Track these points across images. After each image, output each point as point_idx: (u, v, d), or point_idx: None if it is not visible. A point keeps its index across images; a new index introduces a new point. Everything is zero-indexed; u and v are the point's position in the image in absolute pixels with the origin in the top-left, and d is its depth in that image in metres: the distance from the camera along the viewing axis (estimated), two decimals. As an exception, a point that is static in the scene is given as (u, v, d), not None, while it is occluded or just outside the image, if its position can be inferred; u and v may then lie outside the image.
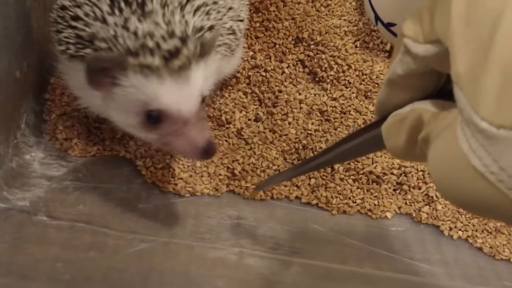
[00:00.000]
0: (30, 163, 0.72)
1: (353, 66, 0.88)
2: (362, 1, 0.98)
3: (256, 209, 0.75)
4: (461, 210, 0.79)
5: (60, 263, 0.63)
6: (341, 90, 0.86)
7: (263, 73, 0.86)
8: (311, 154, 0.79)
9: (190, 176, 0.76)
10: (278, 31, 0.90)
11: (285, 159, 0.79)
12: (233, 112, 0.81)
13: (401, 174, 0.80)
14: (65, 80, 0.70)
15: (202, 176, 0.76)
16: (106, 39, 0.57)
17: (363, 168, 0.79)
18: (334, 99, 0.85)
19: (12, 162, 0.70)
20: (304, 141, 0.80)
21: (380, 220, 0.78)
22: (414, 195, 0.79)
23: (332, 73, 0.87)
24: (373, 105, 0.85)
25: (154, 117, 0.58)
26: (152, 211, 0.71)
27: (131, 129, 0.63)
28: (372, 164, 0.80)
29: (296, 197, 0.78)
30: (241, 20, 0.75)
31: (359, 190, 0.79)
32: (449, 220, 0.78)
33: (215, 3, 0.67)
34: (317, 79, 0.87)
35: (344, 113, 0.84)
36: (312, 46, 0.89)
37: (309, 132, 0.81)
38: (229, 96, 0.84)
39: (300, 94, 0.84)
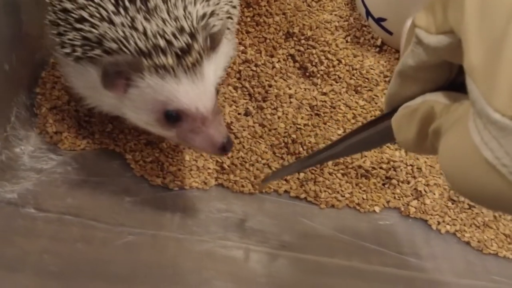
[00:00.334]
0: (20, 156, 0.72)
1: (343, 61, 0.88)
2: (353, -4, 0.98)
3: (245, 203, 0.75)
4: (449, 204, 0.79)
5: (48, 255, 0.63)
6: (331, 84, 0.86)
7: (254, 68, 0.86)
8: (300, 149, 0.79)
9: (179, 169, 0.76)
10: (269, 26, 0.90)
11: (274, 153, 0.79)
12: (223, 107, 0.82)
13: (390, 169, 0.80)
14: (71, 82, 0.69)
15: (191, 170, 0.76)
16: (116, 39, 0.57)
17: (352, 163, 0.79)
18: (324, 93, 0.85)
19: (2, 155, 0.70)
20: (294, 136, 0.80)
21: (369, 214, 0.78)
22: (403, 189, 0.80)
23: (322, 68, 0.87)
24: (363, 100, 0.86)
25: (172, 116, 0.59)
26: (141, 204, 0.72)
27: (147, 126, 0.63)
28: (361, 158, 0.80)
29: (285, 191, 0.78)
30: (234, 7, 0.75)
31: (348, 184, 0.79)
32: (437, 214, 0.79)
33: None
34: (307, 74, 0.87)
35: (334, 108, 0.84)
36: (303, 41, 0.89)
37: (299, 126, 0.81)
38: (219, 90, 0.84)
39: (290, 88, 0.85)
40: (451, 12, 0.33)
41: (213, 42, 0.60)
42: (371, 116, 0.84)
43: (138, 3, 0.58)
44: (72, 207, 0.69)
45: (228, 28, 0.72)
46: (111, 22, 0.58)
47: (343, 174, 0.79)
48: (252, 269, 0.69)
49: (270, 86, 0.84)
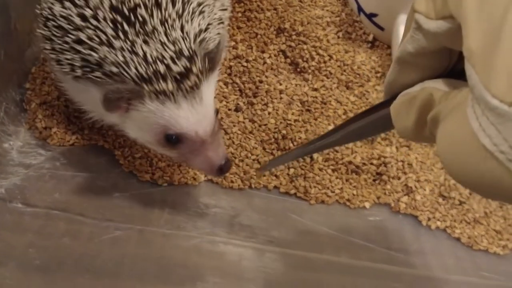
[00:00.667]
0: (8, 152, 0.72)
1: (334, 56, 0.88)
2: (346, -8, 0.98)
3: (234, 199, 0.75)
4: (440, 200, 0.79)
5: (33, 249, 0.63)
6: (322, 80, 0.86)
7: (245, 64, 0.86)
8: (291, 144, 0.79)
9: (168, 165, 0.76)
10: (260, 21, 0.90)
11: (264, 149, 0.79)
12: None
13: (380, 165, 0.80)
14: (70, 95, 0.70)
15: (180, 166, 0.76)
16: (116, 63, 0.57)
17: (342, 158, 0.79)
18: (315, 89, 0.85)
19: (-10, 151, 0.71)
20: (284, 131, 0.80)
21: (359, 210, 0.78)
22: (394, 185, 0.80)
23: (313, 63, 0.87)
24: (354, 96, 0.85)
25: (172, 139, 0.60)
26: (129, 200, 0.72)
27: (148, 144, 0.65)
28: (352, 154, 0.80)
29: (275, 187, 0.78)
30: (225, 9, 0.75)
31: (338, 180, 0.79)
32: (427, 210, 0.78)
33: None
34: (298, 69, 0.87)
35: (325, 104, 0.84)
36: (294, 37, 0.89)
37: (289, 122, 0.81)
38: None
39: (280, 84, 0.84)
40: None
41: (211, 62, 0.60)
42: (362, 112, 0.84)
43: (137, 26, 0.58)
44: (59, 202, 0.69)
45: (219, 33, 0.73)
46: (110, 45, 0.57)
47: (333, 170, 0.79)
48: (239, 265, 0.69)
49: (260, 81, 0.84)
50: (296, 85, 0.85)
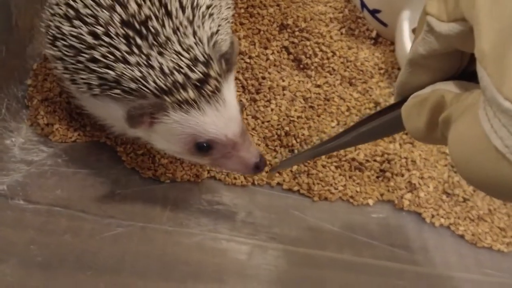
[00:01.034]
0: (10, 148, 0.72)
1: (337, 53, 0.88)
2: (349, -12, 0.97)
3: (236, 195, 0.75)
4: (443, 197, 0.79)
5: (35, 246, 0.63)
6: (325, 77, 0.86)
7: (247, 60, 0.85)
8: (294, 141, 0.79)
9: (171, 162, 0.75)
10: (262, 17, 0.90)
11: (267, 145, 0.79)
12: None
13: (384, 161, 0.80)
14: (90, 112, 0.70)
15: (182, 162, 0.76)
16: (134, 79, 0.56)
17: (345, 155, 0.79)
18: (318, 86, 0.85)
19: (-8, 147, 0.71)
20: (287, 128, 0.80)
21: (362, 207, 0.78)
22: (397, 182, 0.79)
23: (316, 60, 0.86)
24: (357, 92, 0.85)
25: (203, 147, 0.60)
26: (131, 197, 0.71)
27: (178, 155, 0.65)
28: (355, 151, 0.80)
29: (278, 184, 0.77)
30: (229, 8, 0.75)
31: (341, 177, 0.78)
32: (431, 207, 0.78)
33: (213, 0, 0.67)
34: (301, 66, 0.87)
35: (328, 100, 0.84)
36: (297, 33, 0.88)
37: (292, 118, 0.80)
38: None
39: (283, 80, 0.84)
40: None
41: (227, 63, 0.60)
42: (365, 109, 0.83)
43: (150, 38, 0.57)
44: (61, 198, 0.69)
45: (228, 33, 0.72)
46: (126, 62, 0.57)
47: (336, 167, 0.79)
48: (242, 262, 0.68)
49: (263, 78, 0.84)
50: (299, 81, 0.85)
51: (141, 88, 0.56)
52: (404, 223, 0.77)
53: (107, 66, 0.58)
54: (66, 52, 0.61)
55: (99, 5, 0.59)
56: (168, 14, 0.59)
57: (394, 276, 0.70)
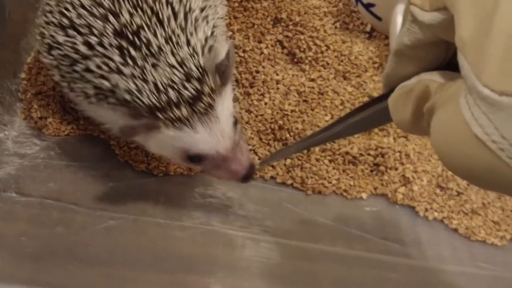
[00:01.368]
0: (4, 141, 0.72)
1: (331, 47, 0.87)
2: (344, -18, 0.97)
3: (229, 188, 0.75)
4: (437, 191, 0.78)
5: (26, 238, 0.63)
6: (319, 71, 0.86)
7: (242, 54, 0.85)
8: (287, 135, 0.79)
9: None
10: (256, 11, 0.89)
11: (260, 139, 0.79)
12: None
13: (377, 155, 0.79)
14: (88, 115, 0.71)
15: (175, 156, 0.76)
16: (129, 91, 0.57)
17: (339, 149, 0.79)
18: (312, 80, 0.85)
19: (-15, 141, 0.71)
20: (280, 122, 0.79)
21: (356, 200, 0.77)
22: (391, 176, 0.79)
23: (310, 54, 0.86)
24: (351, 86, 0.85)
25: (195, 158, 0.60)
26: (124, 190, 0.71)
27: (173, 160, 0.67)
28: (349, 145, 0.80)
29: (271, 177, 0.77)
30: (224, 4, 0.75)
31: (335, 170, 0.78)
32: (425, 201, 0.78)
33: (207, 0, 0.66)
34: (295, 60, 0.87)
35: (322, 94, 0.83)
36: (291, 27, 0.88)
37: (286, 112, 0.80)
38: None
39: (277, 74, 0.84)
40: None
41: (222, 77, 0.60)
42: (359, 103, 0.83)
43: (143, 49, 0.57)
44: (53, 191, 0.69)
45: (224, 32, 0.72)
46: (121, 72, 0.57)
47: (330, 161, 0.79)
48: (234, 254, 0.68)
49: (257, 72, 0.84)
50: (293, 75, 0.85)
51: (135, 101, 0.57)
52: (398, 217, 0.77)
53: (102, 77, 0.58)
54: (61, 61, 0.61)
55: (92, 14, 0.59)
56: (160, 22, 0.59)
57: (387, 269, 0.70)
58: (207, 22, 0.64)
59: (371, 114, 0.47)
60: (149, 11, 0.59)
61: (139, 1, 0.59)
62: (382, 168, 0.79)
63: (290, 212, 0.74)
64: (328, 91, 0.84)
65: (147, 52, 0.57)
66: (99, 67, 0.58)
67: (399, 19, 0.83)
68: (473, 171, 0.30)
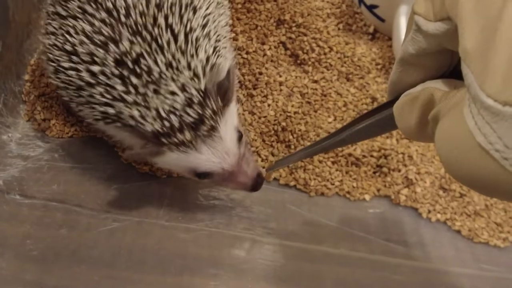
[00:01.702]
0: (7, 144, 0.72)
1: (334, 48, 0.87)
2: (347, -16, 0.97)
3: (233, 190, 0.75)
4: (440, 192, 0.79)
5: (30, 240, 0.64)
6: (322, 72, 0.86)
7: (245, 55, 0.85)
8: (290, 137, 0.79)
9: (167, 157, 0.75)
10: (260, 12, 0.89)
11: (263, 141, 0.79)
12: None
13: (380, 157, 0.80)
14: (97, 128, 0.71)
15: (179, 157, 0.76)
16: (132, 117, 0.58)
17: (342, 151, 0.79)
18: (315, 81, 0.85)
19: (-11, 143, 0.71)
20: (283, 123, 0.79)
21: (358, 202, 0.78)
22: (394, 177, 0.79)
23: (313, 55, 0.86)
24: (354, 88, 0.85)
25: (201, 175, 0.62)
26: (127, 192, 0.71)
27: (181, 174, 0.67)
28: (352, 146, 0.80)
29: (274, 179, 0.77)
30: (225, 12, 0.75)
31: (338, 172, 0.78)
32: (428, 202, 0.78)
33: (209, 14, 0.67)
34: (298, 61, 0.87)
35: (325, 96, 0.84)
36: (294, 28, 0.88)
37: (289, 114, 0.80)
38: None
39: (280, 76, 0.84)
40: None
41: (224, 99, 0.60)
42: (362, 104, 0.83)
43: (144, 76, 0.58)
44: (57, 193, 0.69)
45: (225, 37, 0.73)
46: (124, 100, 0.58)
47: (333, 162, 0.79)
48: (236, 256, 0.68)
49: (260, 73, 0.84)
50: (296, 77, 0.85)
51: (140, 127, 0.58)
52: (401, 218, 0.77)
53: (107, 104, 0.59)
54: (68, 85, 0.62)
55: (94, 43, 0.59)
56: (160, 48, 0.59)
57: (391, 271, 0.70)
58: (209, 38, 0.64)
59: (377, 121, 0.48)
60: (148, 37, 0.59)
61: (139, 27, 0.59)
62: (385, 169, 0.79)
63: (294, 214, 0.74)
64: (331, 93, 0.84)
65: (148, 79, 0.58)
66: (102, 95, 0.59)
67: (402, 21, 0.83)
68: (477, 179, 0.30)
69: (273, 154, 0.78)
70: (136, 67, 0.58)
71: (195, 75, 0.59)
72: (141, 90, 0.58)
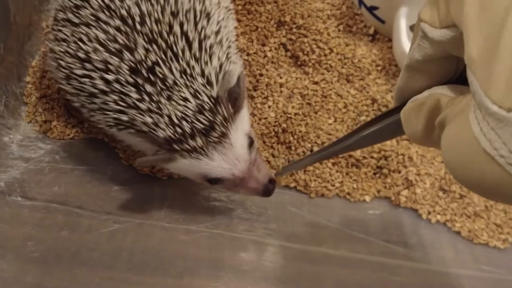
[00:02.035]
0: (8, 145, 0.73)
1: (335, 50, 0.88)
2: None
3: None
4: (440, 194, 0.79)
5: (31, 242, 0.64)
6: (322, 74, 0.86)
7: (245, 57, 0.85)
8: (291, 138, 0.79)
9: (168, 158, 0.76)
10: (260, 14, 0.90)
11: (264, 142, 0.79)
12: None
13: (381, 158, 0.80)
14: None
15: (179, 159, 0.76)
16: (145, 124, 0.59)
17: (342, 152, 0.79)
18: (316, 83, 0.85)
19: (-10, 144, 0.71)
20: (284, 125, 0.80)
21: (359, 203, 0.78)
22: (394, 178, 0.79)
23: (314, 56, 0.87)
24: (354, 89, 0.85)
25: (212, 181, 0.63)
26: (128, 193, 0.72)
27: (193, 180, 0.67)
28: (352, 147, 0.80)
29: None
30: (232, 16, 0.76)
31: (338, 173, 0.79)
32: (428, 204, 0.78)
33: (221, 20, 0.67)
34: (299, 63, 0.87)
35: (325, 97, 0.84)
36: (294, 30, 0.88)
37: (289, 115, 0.81)
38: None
39: (281, 77, 0.84)
40: (453, 5, 0.34)
41: (235, 106, 0.61)
42: (362, 105, 0.83)
43: (159, 83, 0.58)
44: (58, 195, 0.69)
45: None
46: (138, 108, 0.59)
47: (333, 164, 0.79)
48: (238, 258, 0.69)
49: (261, 75, 0.84)
50: (296, 78, 0.85)
51: (153, 133, 0.58)
52: (401, 220, 0.77)
53: (120, 111, 0.59)
54: (80, 92, 0.62)
55: (108, 50, 0.59)
56: (175, 55, 0.59)
57: (391, 272, 0.71)
58: (222, 45, 0.65)
59: (384, 127, 0.48)
60: (164, 45, 0.59)
61: (154, 34, 0.60)
62: (385, 171, 0.79)
63: (294, 215, 0.75)
64: (331, 94, 0.84)
65: (162, 86, 0.59)
66: (116, 102, 0.59)
67: (402, 22, 0.83)
68: (482, 185, 0.30)
69: (273, 156, 0.78)
70: (151, 75, 0.59)
71: (208, 82, 0.60)
72: (155, 97, 0.58)
